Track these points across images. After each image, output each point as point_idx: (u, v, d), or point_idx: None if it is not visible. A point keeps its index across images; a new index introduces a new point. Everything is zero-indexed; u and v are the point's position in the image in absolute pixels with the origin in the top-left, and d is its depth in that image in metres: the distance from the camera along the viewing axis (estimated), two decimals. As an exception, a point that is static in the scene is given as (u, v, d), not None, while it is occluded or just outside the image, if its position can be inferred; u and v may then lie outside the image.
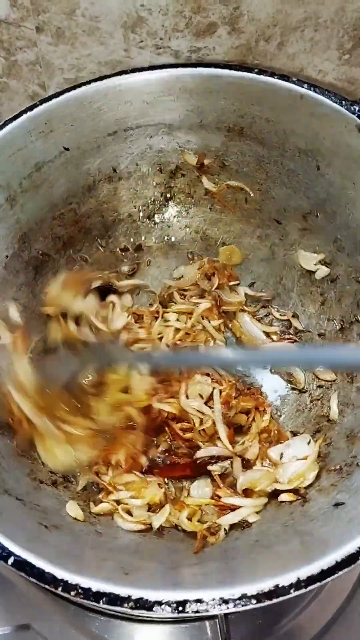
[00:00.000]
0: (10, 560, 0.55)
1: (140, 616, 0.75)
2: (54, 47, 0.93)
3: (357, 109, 0.75)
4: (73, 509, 0.68)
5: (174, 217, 0.94)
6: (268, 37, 0.89)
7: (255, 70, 0.81)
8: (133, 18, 0.88)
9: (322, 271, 0.85)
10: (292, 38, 0.91)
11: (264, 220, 0.90)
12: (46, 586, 0.54)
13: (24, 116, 0.79)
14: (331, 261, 0.85)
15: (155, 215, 0.94)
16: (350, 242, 0.81)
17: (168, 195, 0.93)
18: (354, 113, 0.75)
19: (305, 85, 0.78)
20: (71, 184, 0.86)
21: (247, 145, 0.86)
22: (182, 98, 0.84)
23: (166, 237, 0.95)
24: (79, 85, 0.82)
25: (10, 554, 0.55)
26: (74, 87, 0.82)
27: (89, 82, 0.82)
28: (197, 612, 0.52)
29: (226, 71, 0.81)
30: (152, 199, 0.93)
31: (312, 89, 0.78)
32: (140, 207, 0.93)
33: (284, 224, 0.89)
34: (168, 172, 0.91)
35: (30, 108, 0.80)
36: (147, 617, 0.75)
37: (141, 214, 0.94)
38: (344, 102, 0.76)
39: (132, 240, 0.94)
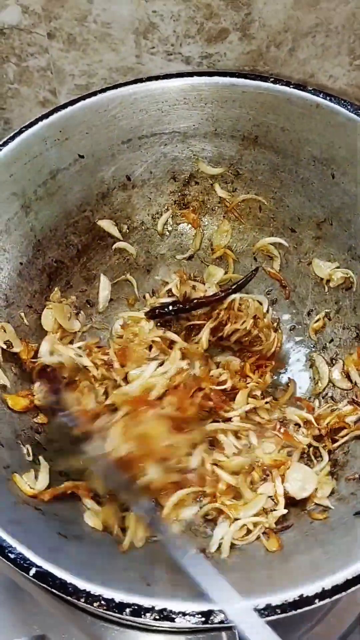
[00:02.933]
0: (32, 572, 0.54)
1: (157, 626, 0.74)
2: (65, 53, 0.94)
3: (372, 117, 0.76)
4: (91, 519, 0.67)
5: (188, 224, 0.94)
6: (279, 43, 0.89)
7: (271, 80, 0.81)
8: (145, 24, 0.88)
9: (338, 278, 0.85)
10: (303, 44, 0.91)
11: (278, 228, 0.90)
12: (69, 597, 0.53)
13: (40, 124, 0.79)
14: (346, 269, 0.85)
15: (169, 223, 0.94)
16: (364, 250, 0.82)
17: (182, 203, 0.93)
18: (369, 122, 0.75)
19: (321, 95, 0.79)
20: (85, 192, 0.86)
21: (261, 154, 0.87)
22: (197, 106, 0.85)
23: (179, 246, 0.95)
24: (95, 93, 0.82)
25: (32, 564, 0.55)
26: (89, 95, 0.82)
27: (104, 90, 0.83)
28: (221, 622, 0.52)
29: (241, 80, 0.82)
30: (166, 207, 0.93)
31: (327, 98, 0.78)
32: (154, 215, 0.93)
33: (298, 232, 0.89)
34: (182, 180, 0.91)
35: (46, 116, 0.80)
36: (164, 627, 0.74)
37: (154, 221, 0.94)
38: (359, 112, 0.76)
39: (145, 248, 0.94)
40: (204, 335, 0.84)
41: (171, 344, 0.83)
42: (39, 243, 0.83)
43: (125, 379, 0.80)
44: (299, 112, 0.80)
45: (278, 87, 0.80)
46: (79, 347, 0.83)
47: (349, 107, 0.77)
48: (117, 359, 0.81)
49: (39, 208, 0.82)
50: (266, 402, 0.80)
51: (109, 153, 0.86)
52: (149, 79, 0.83)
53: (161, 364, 0.80)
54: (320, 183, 0.84)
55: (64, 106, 0.81)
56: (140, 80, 0.83)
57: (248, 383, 0.81)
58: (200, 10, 0.87)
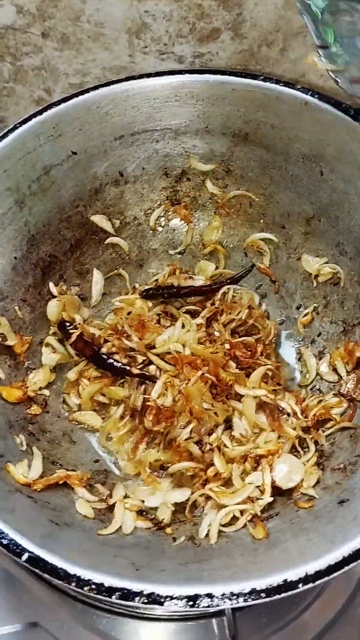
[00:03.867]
0: (24, 557, 0.56)
1: (148, 614, 0.76)
2: (59, 52, 0.94)
3: (360, 116, 0.77)
4: (83, 507, 0.69)
5: (180, 220, 0.96)
6: (270, 42, 0.90)
7: (261, 77, 0.82)
8: (137, 24, 0.89)
9: (326, 273, 0.86)
10: (294, 43, 0.92)
11: (268, 224, 0.92)
12: (60, 582, 0.55)
13: (33, 120, 0.81)
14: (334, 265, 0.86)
15: (161, 218, 0.96)
16: (352, 246, 0.83)
17: (174, 199, 0.94)
18: (358, 121, 0.77)
19: (310, 93, 0.80)
20: (78, 187, 0.87)
21: (252, 151, 0.88)
22: (189, 104, 0.86)
23: (171, 241, 0.97)
24: (87, 90, 0.84)
25: (24, 550, 0.56)
26: (82, 92, 0.83)
27: (97, 87, 0.84)
28: (208, 606, 0.53)
29: (232, 78, 0.83)
30: (158, 203, 0.94)
31: (316, 96, 0.79)
32: (146, 211, 0.94)
33: (287, 228, 0.90)
34: (174, 176, 0.93)
35: (40, 112, 0.81)
36: (155, 615, 0.76)
37: (147, 217, 0.95)
38: (348, 110, 0.77)
39: (138, 243, 0.96)
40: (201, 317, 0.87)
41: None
42: (32, 238, 0.84)
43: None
44: (289, 109, 0.82)
45: (268, 84, 0.82)
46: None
47: (337, 105, 0.78)
48: (134, 332, 0.84)
49: (32, 203, 0.83)
50: (274, 390, 0.82)
51: (101, 149, 0.87)
52: (141, 76, 0.85)
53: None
54: (309, 180, 0.85)
55: (58, 103, 0.82)
56: (133, 78, 0.84)
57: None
58: (192, 10, 0.88)
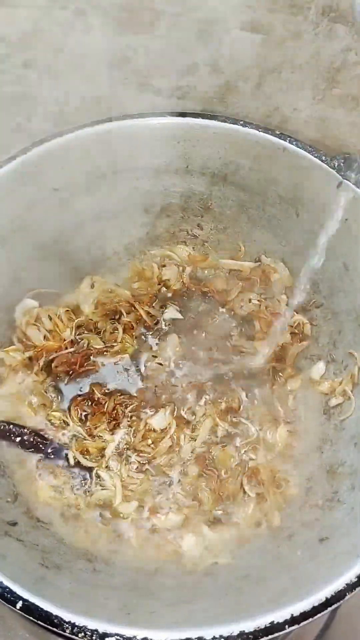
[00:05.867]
0: (19, 605, 0.57)
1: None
2: (39, 81, 0.95)
3: (336, 164, 0.80)
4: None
5: (158, 256, 0.98)
6: (247, 77, 0.93)
7: (240, 122, 0.85)
8: (118, 57, 0.90)
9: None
10: (270, 79, 0.95)
11: (245, 260, 0.95)
12: (54, 629, 0.56)
13: (17, 159, 0.81)
14: (308, 302, 0.90)
15: (142, 254, 0.98)
16: (326, 285, 0.86)
17: (153, 235, 0.96)
18: (333, 168, 0.80)
19: (288, 139, 0.83)
20: (60, 224, 0.88)
21: (230, 191, 0.90)
22: (170, 145, 0.88)
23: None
24: (71, 130, 0.85)
25: (18, 598, 0.57)
26: (66, 132, 0.84)
27: (81, 127, 0.85)
28: (199, 649, 0.55)
29: (212, 122, 0.85)
30: (138, 238, 0.96)
31: (294, 142, 0.82)
32: (126, 246, 0.96)
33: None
34: (154, 212, 0.94)
35: (23, 152, 0.82)
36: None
37: (127, 252, 0.97)
38: (324, 157, 0.81)
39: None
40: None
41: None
42: (15, 273, 0.85)
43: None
44: (267, 154, 0.84)
45: (247, 130, 0.84)
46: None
47: (313, 152, 0.81)
48: None
49: (15, 240, 0.84)
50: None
51: (83, 187, 0.88)
52: (124, 117, 0.86)
53: None
54: (285, 221, 0.88)
55: (41, 142, 0.83)
56: (115, 119, 0.86)
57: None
58: (171, 46, 0.89)
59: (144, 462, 0.80)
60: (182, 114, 0.86)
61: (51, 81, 0.95)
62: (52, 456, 0.81)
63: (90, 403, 0.84)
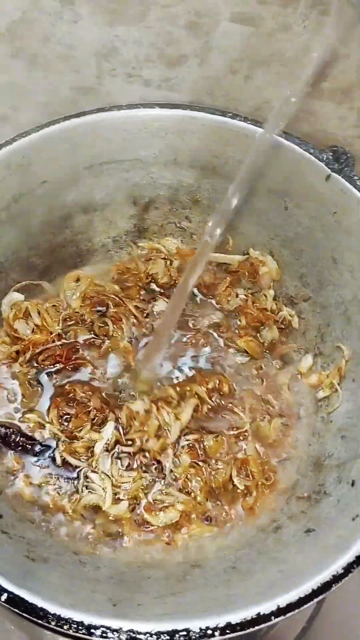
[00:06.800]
0: (4, 597, 0.56)
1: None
2: (27, 72, 0.94)
3: (325, 156, 0.80)
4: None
5: (146, 249, 0.97)
6: (236, 70, 0.92)
7: (229, 114, 0.85)
8: (107, 47, 0.90)
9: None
10: (259, 71, 0.95)
11: (234, 253, 0.94)
12: (39, 621, 0.56)
13: (4, 149, 0.80)
14: (296, 296, 0.90)
15: (129, 247, 0.97)
16: (315, 278, 0.86)
17: (141, 227, 0.96)
18: (321, 161, 0.80)
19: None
20: (48, 215, 0.88)
21: (219, 183, 0.90)
22: (158, 136, 0.87)
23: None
24: (58, 121, 0.84)
25: (3, 590, 0.56)
26: (53, 122, 0.83)
27: (68, 118, 0.84)
28: (186, 640, 0.55)
29: (201, 114, 0.85)
30: (126, 230, 0.95)
31: (283, 135, 0.82)
32: (114, 238, 0.96)
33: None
34: (142, 204, 0.94)
35: (11, 142, 0.81)
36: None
37: (115, 244, 0.96)
38: (312, 150, 0.81)
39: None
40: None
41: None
42: (1, 265, 0.84)
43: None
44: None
45: (236, 122, 0.84)
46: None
47: (302, 145, 0.81)
48: None
49: (1, 231, 0.83)
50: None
51: (71, 178, 0.87)
52: (112, 108, 0.85)
53: None
54: (274, 214, 0.88)
55: (29, 132, 0.82)
56: (103, 110, 0.85)
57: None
58: (161, 37, 0.89)
59: (136, 452, 0.80)
60: (171, 106, 0.86)
61: (39, 71, 0.94)
62: (39, 456, 0.80)
63: (73, 403, 0.83)
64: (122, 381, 0.85)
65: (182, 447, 0.80)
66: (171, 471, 0.79)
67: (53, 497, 0.77)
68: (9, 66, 0.93)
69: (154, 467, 0.79)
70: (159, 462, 0.79)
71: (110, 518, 0.76)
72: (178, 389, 0.84)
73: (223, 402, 0.84)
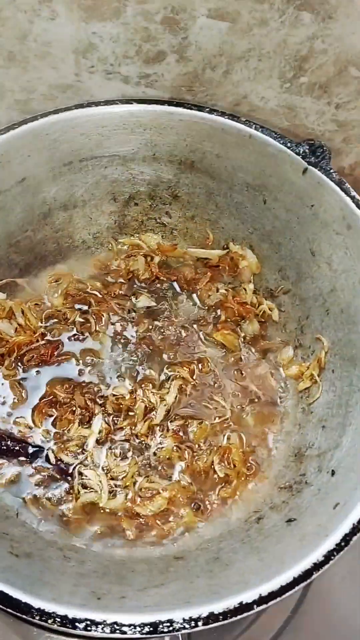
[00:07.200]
0: (-13, 593, 0.57)
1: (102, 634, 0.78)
2: (5, 69, 0.93)
3: (301, 150, 0.81)
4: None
5: (127, 245, 0.97)
6: (214, 65, 0.92)
7: (206, 109, 0.85)
8: (84, 44, 0.90)
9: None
10: (237, 67, 0.95)
11: (214, 248, 0.95)
12: (23, 616, 0.56)
13: (-19, 147, 0.80)
14: (276, 289, 0.90)
15: (110, 243, 0.97)
16: (294, 271, 0.87)
17: (122, 223, 0.96)
18: (298, 154, 0.81)
19: (254, 126, 0.83)
20: (27, 212, 0.88)
21: (197, 178, 0.91)
22: (136, 132, 0.87)
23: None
24: (36, 118, 0.84)
25: (-14, 586, 0.57)
26: (31, 119, 0.83)
27: (46, 115, 0.84)
28: (169, 631, 0.56)
29: (179, 109, 0.85)
30: (106, 226, 0.96)
31: (260, 129, 0.83)
32: (95, 234, 0.96)
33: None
34: (122, 201, 0.94)
35: (-13, 139, 0.81)
36: (110, 635, 0.78)
37: (95, 240, 0.96)
38: (289, 144, 0.81)
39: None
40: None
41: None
42: (-19, 263, 0.84)
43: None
44: (233, 141, 0.85)
45: (213, 117, 0.84)
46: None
47: (279, 139, 0.82)
48: None
49: (-19, 229, 0.83)
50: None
51: (50, 175, 0.87)
52: (90, 104, 0.85)
53: None
54: (252, 207, 0.89)
55: (7, 129, 0.82)
56: (81, 106, 0.85)
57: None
58: (139, 33, 0.89)
59: (128, 438, 0.81)
60: (148, 101, 0.86)
61: (17, 69, 0.94)
62: (31, 458, 0.80)
63: (56, 406, 0.83)
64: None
65: (167, 430, 0.81)
66: (154, 453, 0.80)
67: (49, 497, 0.77)
68: (-14, 64, 0.93)
69: (142, 448, 0.81)
70: (146, 444, 0.81)
71: (107, 513, 0.77)
72: (161, 371, 0.86)
73: (205, 382, 0.86)
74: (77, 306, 0.91)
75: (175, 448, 0.81)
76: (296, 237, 0.85)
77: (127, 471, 0.79)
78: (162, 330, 0.90)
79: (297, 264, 0.86)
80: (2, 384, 0.84)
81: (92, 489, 0.77)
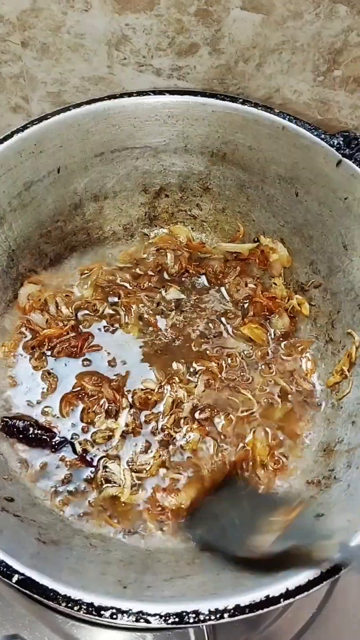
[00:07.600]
0: (15, 579, 0.57)
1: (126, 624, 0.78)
2: (38, 61, 0.94)
3: (335, 142, 0.80)
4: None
5: (156, 236, 0.98)
6: (247, 58, 0.92)
7: (239, 100, 0.84)
8: (117, 36, 0.90)
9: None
10: (270, 60, 0.94)
11: (244, 241, 0.94)
12: (50, 602, 0.56)
13: (15, 137, 0.80)
14: (307, 282, 0.90)
15: (140, 235, 0.97)
16: (325, 265, 0.86)
17: (152, 215, 0.96)
18: (332, 146, 0.79)
19: (287, 118, 0.82)
20: (58, 203, 0.88)
21: (229, 170, 0.90)
22: (169, 123, 0.87)
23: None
24: (69, 108, 0.84)
25: (14, 572, 0.57)
26: (64, 110, 0.84)
27: (78, 105, 0.84)
28: (194, 622, 0.55)
29: (211, 100, 0.85)
30: (137, 218, 0.96)
31: (293, 121, 0.82)
32: (125, 226, 0.96)
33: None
34: (153, 192, 0.94)
35: (22, 129, 0.81)
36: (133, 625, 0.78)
37: (125, 231, 0.97)
38: (323, 135, 0.80)
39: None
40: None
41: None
42: (13, 253, 0.85)
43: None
44: (266, 132, 0.84)
45: (246, 108, 0.84)
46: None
47: (313, 130, 0.81)
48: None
49: (13, 219, 0.83)
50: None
51: (82, 166, 0.87)
52: (122, 95, 0.85)
53: None
54: (284, 200, 0.88)
55: (40, 120, 0.82)
56: (114, 97, 0.85)
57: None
58: (171, 25, 0.89)
59: (153, 431, 0.81)
60: (181, 92, 0.86)
61: (50, 61, 0.95)
62: (57, 448, 0.80)
63: (84, 397, 0.83)
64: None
65: (194, 422, 0.81)
66: (181, 446, 0.79)
67: (74, 487, 0.77)
68: (19, 56, 0.94)
69: (168, 441, 0.81)
70: (171, 437, 0.81)
71: (128, 506, 0.77)
72: (189, 365, 0.86)
73: (233, 377, 0.85)
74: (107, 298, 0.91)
75: (201, 440, 0.80)
76: (328, 230, 0.84)
77: (152, 464, 0.78)
78: (190, 323, 0.90)
79: (329, 257, 0.85)
80: (32, 374, 0.85)
81: (115, 482, 0.77)
